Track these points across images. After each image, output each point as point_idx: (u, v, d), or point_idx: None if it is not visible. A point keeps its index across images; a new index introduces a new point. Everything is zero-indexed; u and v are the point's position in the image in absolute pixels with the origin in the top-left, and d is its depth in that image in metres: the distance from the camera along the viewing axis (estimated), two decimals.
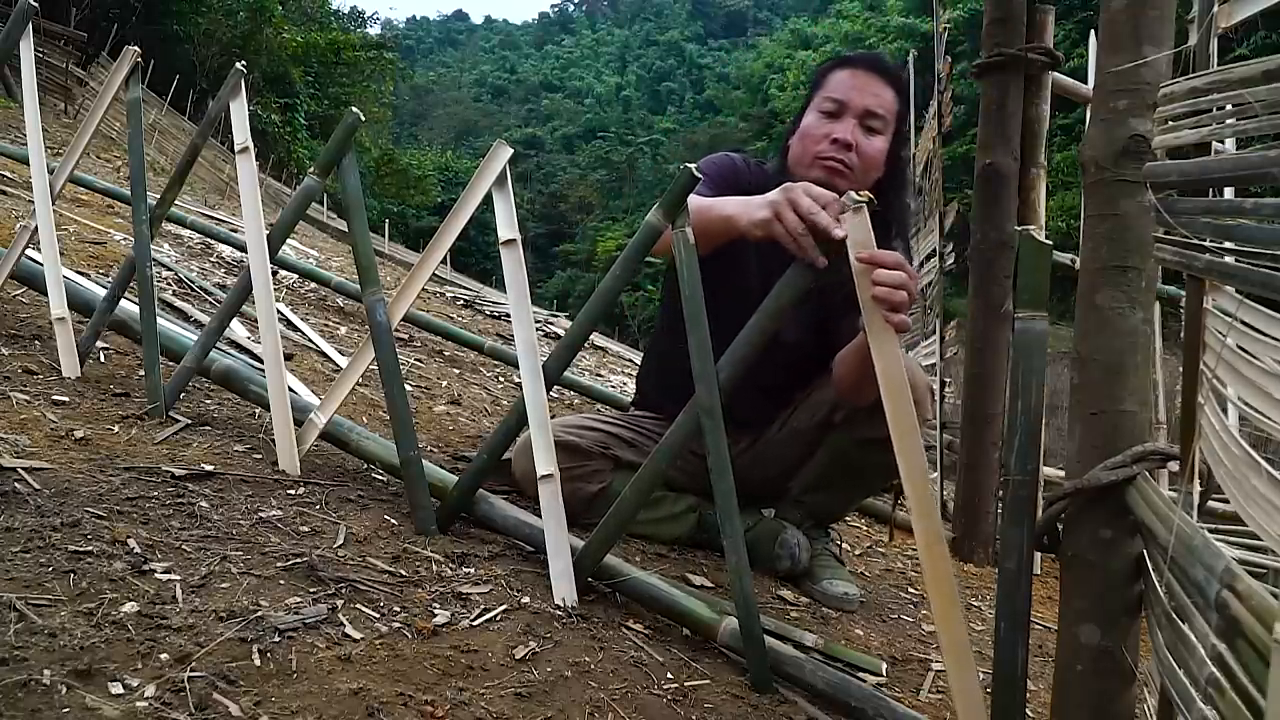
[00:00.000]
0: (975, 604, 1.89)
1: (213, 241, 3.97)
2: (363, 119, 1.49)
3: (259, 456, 1.49)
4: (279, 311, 2.90)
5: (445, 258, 1.53)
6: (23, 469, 1.19)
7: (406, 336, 3.44)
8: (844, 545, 1.80)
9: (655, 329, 1.93)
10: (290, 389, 1.60)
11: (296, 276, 3.80)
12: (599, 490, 1.63)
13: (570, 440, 1.64)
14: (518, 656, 1.01)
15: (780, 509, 1.73)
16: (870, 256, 1.07)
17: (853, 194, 1.06)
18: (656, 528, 1.68)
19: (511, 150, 1.37)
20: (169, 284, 2.87)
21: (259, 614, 0.95)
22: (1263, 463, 0.57)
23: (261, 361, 1.93)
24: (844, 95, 1.57)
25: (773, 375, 1.64)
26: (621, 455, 1.69)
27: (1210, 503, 0.69)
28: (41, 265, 1.79)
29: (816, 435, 1.63)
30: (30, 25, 1.83)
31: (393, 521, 1.34)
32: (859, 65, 1.60)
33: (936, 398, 2.59)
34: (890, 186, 1.62)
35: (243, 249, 3.57)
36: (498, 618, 1.10)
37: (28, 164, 1.96)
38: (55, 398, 1.55)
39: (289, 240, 2.54)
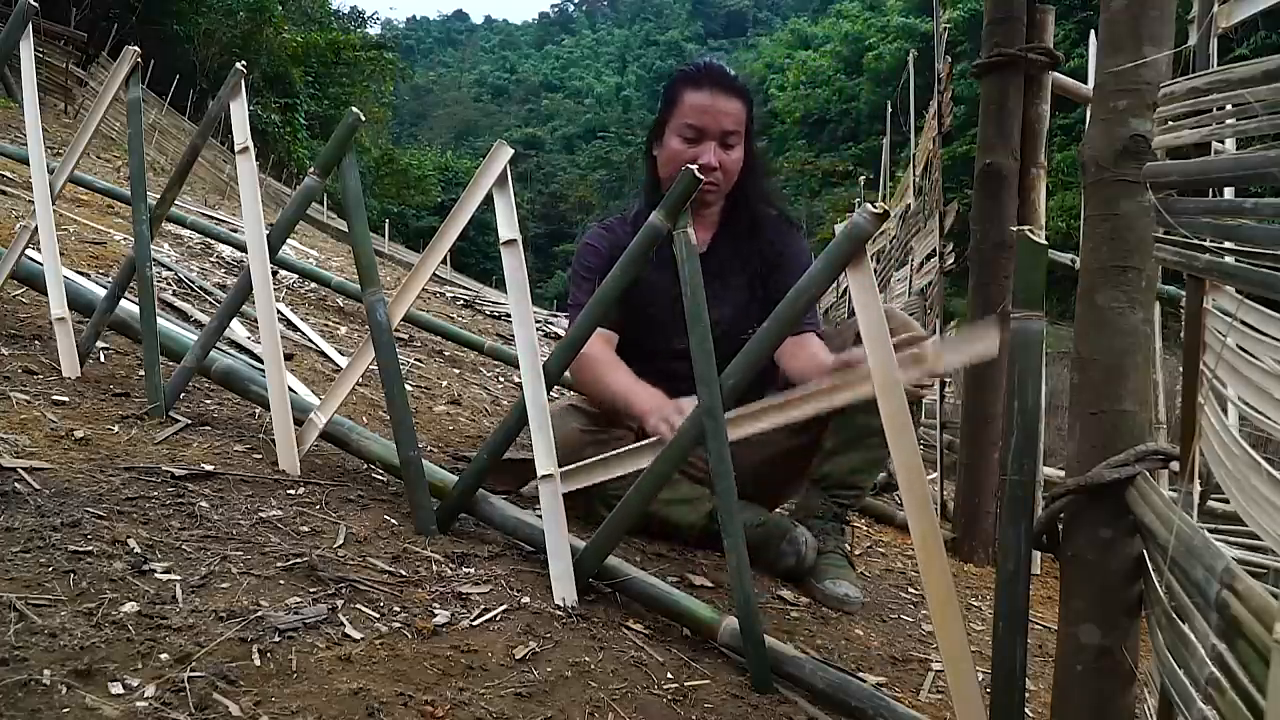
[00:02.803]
0: (975, 604, 1.89)
1: (213, 241, 3.96)
2: (363, 119, 1.49)
3: (259, 456, 1.49)
4: (279, 311, 2.90)
5: (445, 258, 1.53)
6: (23, 469, 1.19)
7: (406, 336, 3.44)
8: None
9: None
10: (290, 389, 1.60)
11: (296, 276, 3.80)
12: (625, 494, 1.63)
13: (592, 410, 1.71)
14: (518, 656, 1.01)
15: (802, 498, 1.74)
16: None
17: (869, 206, 1.08)
18: (671, 509, 1.67)
19: (512, 150, 1.37)
20: (169, 284, 2.87)
21: (259, 614, 0.95)
22: (1263, 463, 0.57)
23: (261, 361, 1.93)
24: (700, 122, 1.68)
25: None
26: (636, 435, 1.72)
27: (1210, 503, 0.69)
28: (41, 265, 1.79)
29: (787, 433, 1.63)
30: (30, 25, 1.83)
31: (393, 521, 1.34)
32: (707, 85, 1.69)
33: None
34: (752, 176, 1.78)
35: (243, 249, 3.57)
36: (498, 618, 1.10)
37: (28, 164, 1.96)
38: (55, 398, 1.55)
39: (289, 240, 2.54)
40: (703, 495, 1.70)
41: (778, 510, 1.86)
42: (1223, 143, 0.71)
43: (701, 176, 1.22)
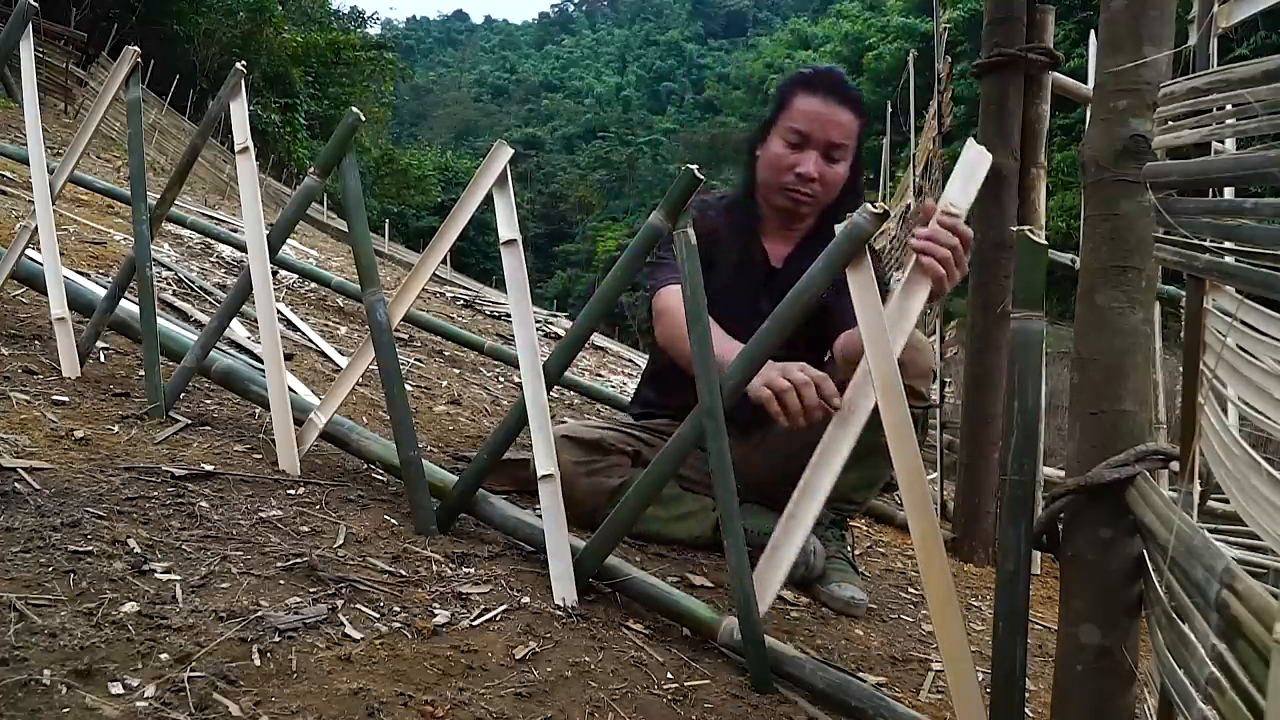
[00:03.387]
0: (975, 604, 1.89)
1: (213, 241, 3.97)
2: (363, 119, 1.49)
3: (259, 456, 1.49)
4: (279, 311, 2.90)
5: (445, 258, 1.53)
6: (23, 469, 1.19)
7: (406, 336, 3.44)
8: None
9: (653, 343, 1.93)
10: (290, 389, 1.60)
11: (296, 276, 3.80)
12: (620, 484, 1.63)
13: (589, 436, 1.67)
14: (518, 656, 1.01)
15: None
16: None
17: (869, 205, 1.08)
18: (674, 526, 1.67)
19: (512, 150, 1.37)
20: (169, 284, 2.87)
21: (259, 614, 0.95)
22: (1263, 463, 0.57)
23: (261, 361, 1.93)
24: (807, 128, 1.62)
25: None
26: (642, 451, 1.72)
27: (1210, 503, 0.69)
28: (41, 265, 1.79)
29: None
30: (30, 25, 1.83)
31: (393, 521, 1.34)
32: (821, 91, 1.63)
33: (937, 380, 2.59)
34: (850, 197, 1.71)
35: (243, 249, 3.57)
36: (498, 618, 1.10)
37: (28, 164, 1.96)
38: (55, 398, 1.55)
39: (289, 240, 2.54)
40: (705, 507, 1.69)
41: None
42: (1223, 143, 0.71)
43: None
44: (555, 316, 6.50)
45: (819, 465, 1.11)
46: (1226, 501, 0.62)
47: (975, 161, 1.14)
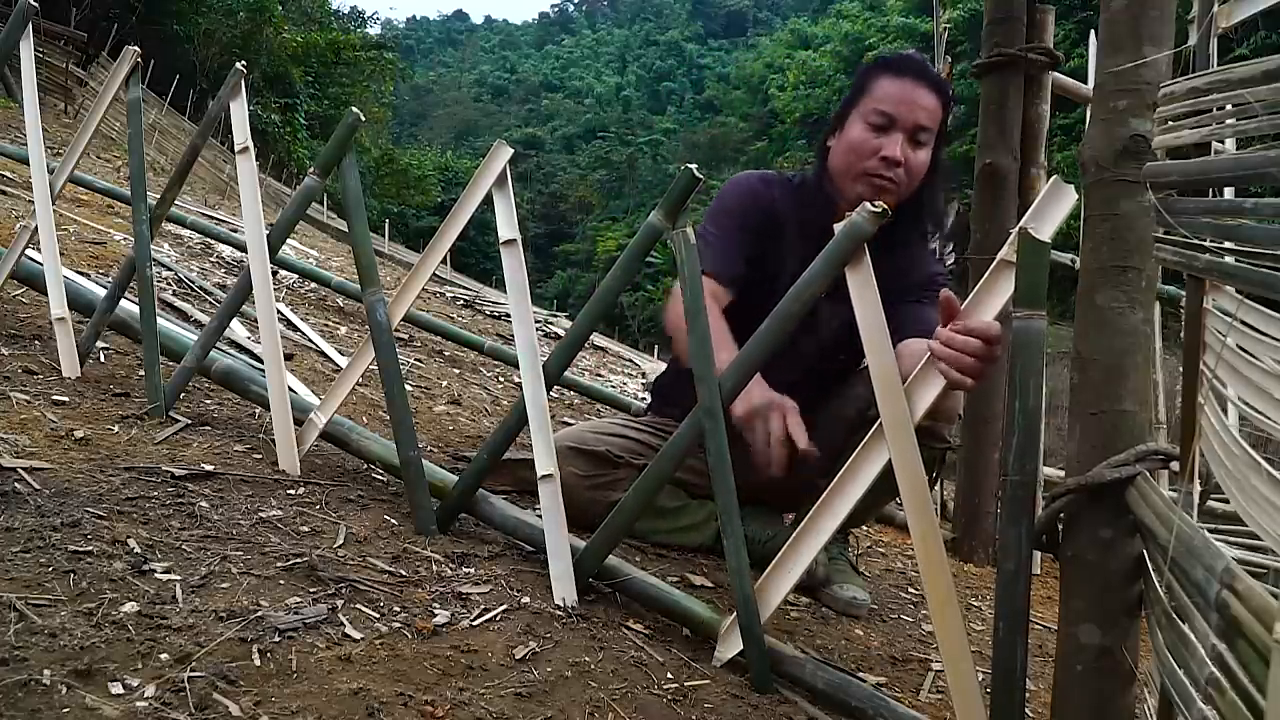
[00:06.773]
0: (975, 604, 1.89)
1: (213, 241, 3.97)
2: (363, 119, 1.49)
3: (259, 456, 1.49)
4: (279, 311, 2.90)
5: (445, 258, 1.53)
6: (23, 469, 1.19)
7: (406, 336, 3.44)
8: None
9: None
10: (290, 389, 1.60)
11: (296, 276, 3.80)
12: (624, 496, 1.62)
13: (595, 449, 1.65)
14: (518, 656, 1.01)
15: (802, 512, 1.72)
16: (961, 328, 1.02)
17: (868, 205, 1.06)
18: (679, 536, 1.68)
19: (511, 150, 1.37)
20: (169, 284, 2.87)
21: (259, 614, 0.95)
22: (1263, 463, 0.57)
23: (261, 361, 1.93)
24: (894, 109, 1.52)
25: (806, 374, 1.62)
26: (649, 463, 1.69)
27: (1210, 503, 0.69)
28: (41, 265, 1.79)
29: (847, 431, 1.54)
30: (30, 25, 1.83)
31: (393, 521, 1.34)
32: (907, 74, 1.54)
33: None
34: (931, 186, 1.60)
35: (243, 249, 3.57)
36: (498, 618, 1.10)
37: (28, 164, 1.96)
38: (55, 398, 1.55)
39: (289, 240, 2.54)
40: (709, 516, 1.69)
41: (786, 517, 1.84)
42: (1223, 143, 0.71)
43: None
44: (555, 316, 6.50)
45: (838, 488, 1.08)
46: (1226, 501, 0.62)
47: (1055, 200, 0.94)
